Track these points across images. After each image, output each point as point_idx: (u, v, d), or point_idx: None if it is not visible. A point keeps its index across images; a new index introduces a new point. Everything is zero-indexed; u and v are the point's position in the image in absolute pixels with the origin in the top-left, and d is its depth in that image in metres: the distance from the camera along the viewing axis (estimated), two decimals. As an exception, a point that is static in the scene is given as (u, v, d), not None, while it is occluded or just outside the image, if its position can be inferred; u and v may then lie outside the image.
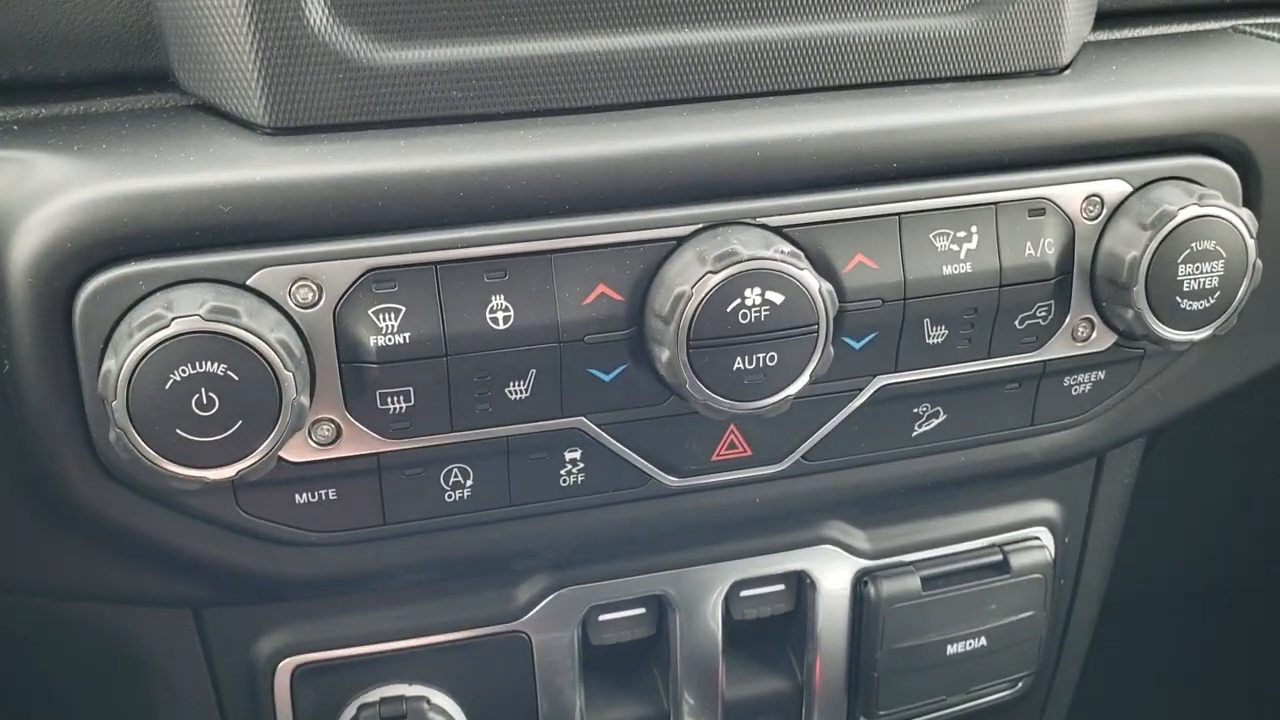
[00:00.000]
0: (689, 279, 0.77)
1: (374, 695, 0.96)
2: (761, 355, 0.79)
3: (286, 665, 0.94)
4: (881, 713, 1.08)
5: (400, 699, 0.95)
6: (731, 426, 0.88)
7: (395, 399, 0.78)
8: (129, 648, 0.94)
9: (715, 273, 0.77)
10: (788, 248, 0.79)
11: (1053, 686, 1.21)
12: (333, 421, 0.79)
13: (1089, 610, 1.19)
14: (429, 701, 0.96)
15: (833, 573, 1.03)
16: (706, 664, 1.03)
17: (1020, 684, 1.14)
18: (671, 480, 0.88)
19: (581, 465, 0.86)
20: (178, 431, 0.72)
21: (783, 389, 0.81)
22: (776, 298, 0.78)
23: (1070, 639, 1.19)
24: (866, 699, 1.07)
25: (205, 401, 0.72)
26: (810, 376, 0.81)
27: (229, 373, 0.72)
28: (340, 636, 0.94)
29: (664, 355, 0.79)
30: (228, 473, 0.73)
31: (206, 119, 0.81)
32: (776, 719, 1.08)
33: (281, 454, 0.78)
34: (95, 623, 0.92)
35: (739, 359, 0.79)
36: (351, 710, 0.95)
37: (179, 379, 0.71)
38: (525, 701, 0.99)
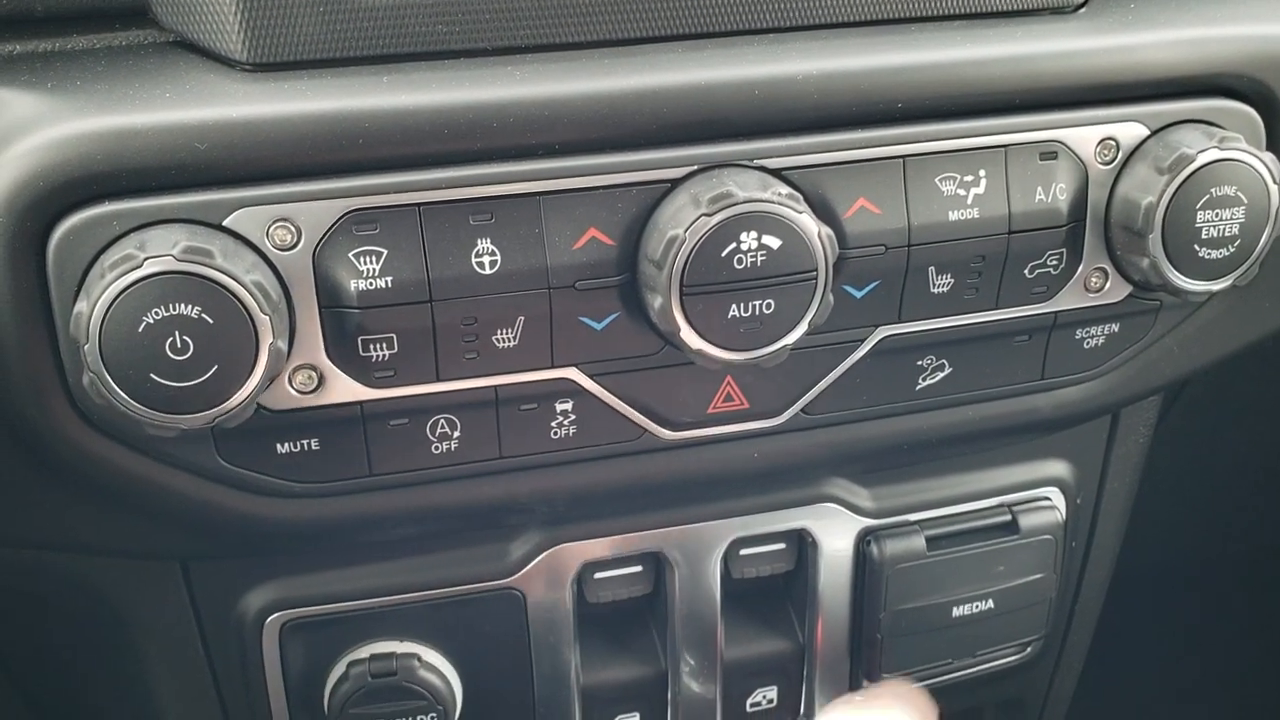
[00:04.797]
0: (682, 222, 0.74)
1: (364, 652, 0.94)
2: (758, 303, 0.76)
3: (275, 621, 0.92)
4: (885, 675, 1.05)
5: (391, 656, 0.93)
6: (728, 378, 0.85)
7: (378, 346, 0.76)
8: (117, 602, 0.92)
9: (709, 215, 0.74)
10: (786, 190, 0.76)
11: (1063, 652, 1.18)
12: (314, 369, 0.76)
13: (1101, 574, 1.16)
14: (420, 658, 0.94)
15: (835, 531, 1.00)
16: (705, 623, 1.01)
17: (1029, 648, 1.12)
18: (666, 433, 0.85)
19: (573, 417, 0.83)
20: (152, 376, 0.69)
21: (780, 338, 0.78)
22: (773, 242, 0.75)
23: (1082, 603, 1.16)
24: (869, 661, 1.05)
25: (179, 345, 0.69)
26: (809, 325, 0.78)
27: (203, 315, 0.69)
28: (330, 592, 0.92)
29: (657, 302, 0.76)
30: (204, 419, 0.71)
31: (185, 56, 0.78)
32: (777, 680, 1.06)
33: (261, 402, 0.76)
34: (83, 577, 0.91)
35: (734, 306, 0.76)
36: (341, 667, 0.93)
37: (152, 322, 0.69)
38: (519, 660, 0.97)
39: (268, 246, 0.73)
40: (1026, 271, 0.85)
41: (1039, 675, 1.18)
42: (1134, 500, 1.14)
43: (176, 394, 0.70)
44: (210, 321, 0.70)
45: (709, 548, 0.99)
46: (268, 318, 0.70)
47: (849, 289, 0.82)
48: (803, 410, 0.87)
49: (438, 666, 0.95)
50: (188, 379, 0.70)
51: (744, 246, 0.75)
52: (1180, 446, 1.26)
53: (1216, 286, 0.85)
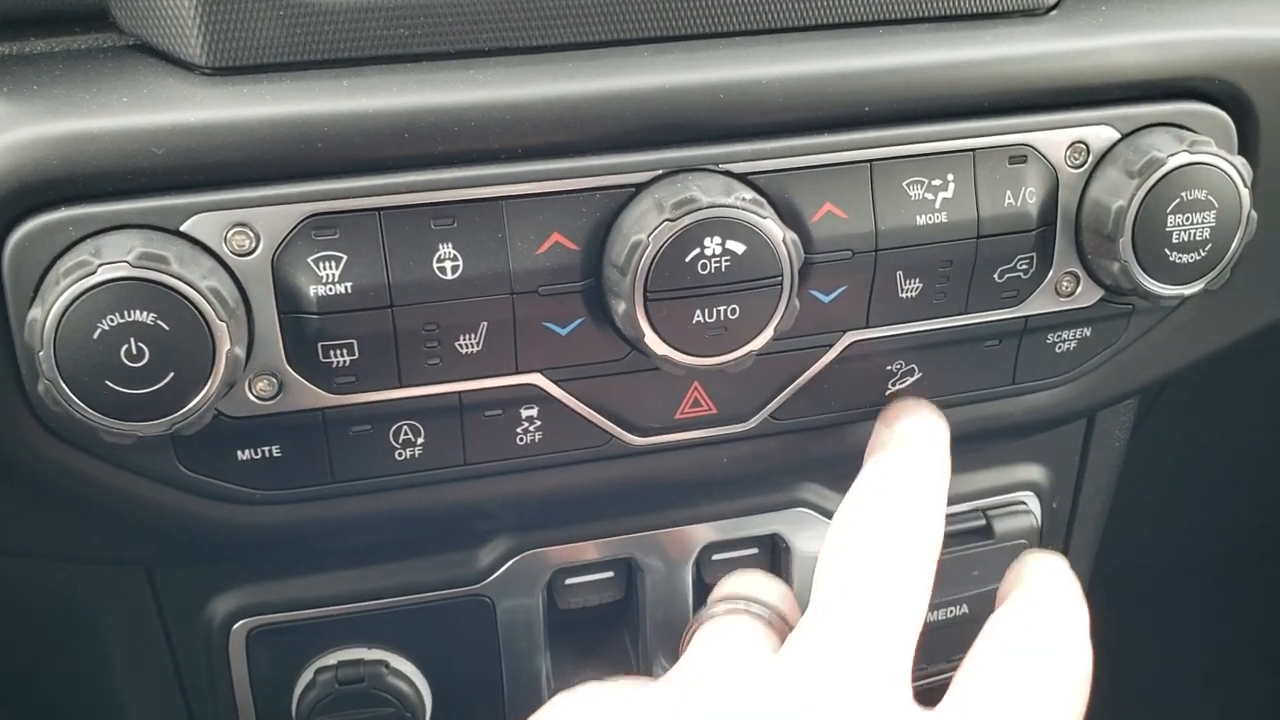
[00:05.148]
0: (646, 227, 0.74)
1: (331, 659, 0.93)
2: (722, 308, 0.76)
3: (241, 627, 0.91)
4: (859, 680, 1.05)
5: (359, 662, 0.93)
6: (695, 384, 0.84)
7: (338, 352, 0.75)
8: (82, 608, 0.92)
9: (673, 220, 0.73)
10: (750, 195, 0.75)
11: (1040, 655, 1.17)
12: (273, 376, 0.75)
13: (1078, 579, 1.15)
14: (388, 665, 0.93)
15: (808, 536, 1.00)
16: (678, 629, 1.00)
17: (1005, 652, 1.11)
18: (633, 439, 0.85)
19: (539, 423, 0.82)
20: (107, 383, 0.69)
21: (745, 344, 0.77)
22: (738, 247, 0.74)
23: (1058, 607, 1.15)
24: (844, 666, 1.04)
25: (135, 352, 0.69)
26: (774, 331, 0.77)
27: (159, 322, 0.69)
28: (297, 598, 0.92)
29: (621, 308, 0.75)
30: (161, 426, 0.71)
31: (144, 60, 0.77)
32: (751, 686, 1.05)
33: (221, 409, 0.75)
34: (47, 582, 0.90)
35: (699, 312, 0.75)
36: (309, 674, 0.93)
37: (107, 328, 0.68)
38: (489, 667, 0.97)
39: (225, 252, 0.72)
40: (996, 276, 0.85)
41: (1016, 680, 1.17)
42: (1110, 504, 1.13)
43: (132, 401, 0.69)
44: (166, 328, 0.69)
45: (681, 553, 0.98)
46: (224, 324, 0.69)
47: (816, 294, 0.82)
48: (771, 415, 0.87)
49: (406, 673, 0.94)
50: (144, 386, 0.69)
51: (708, 252, 0.74)
52: (1157, 452, 1.26)
53: (1188, 291, 0.85)
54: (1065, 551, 1.12)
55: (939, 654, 1.06)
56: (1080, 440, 1.08)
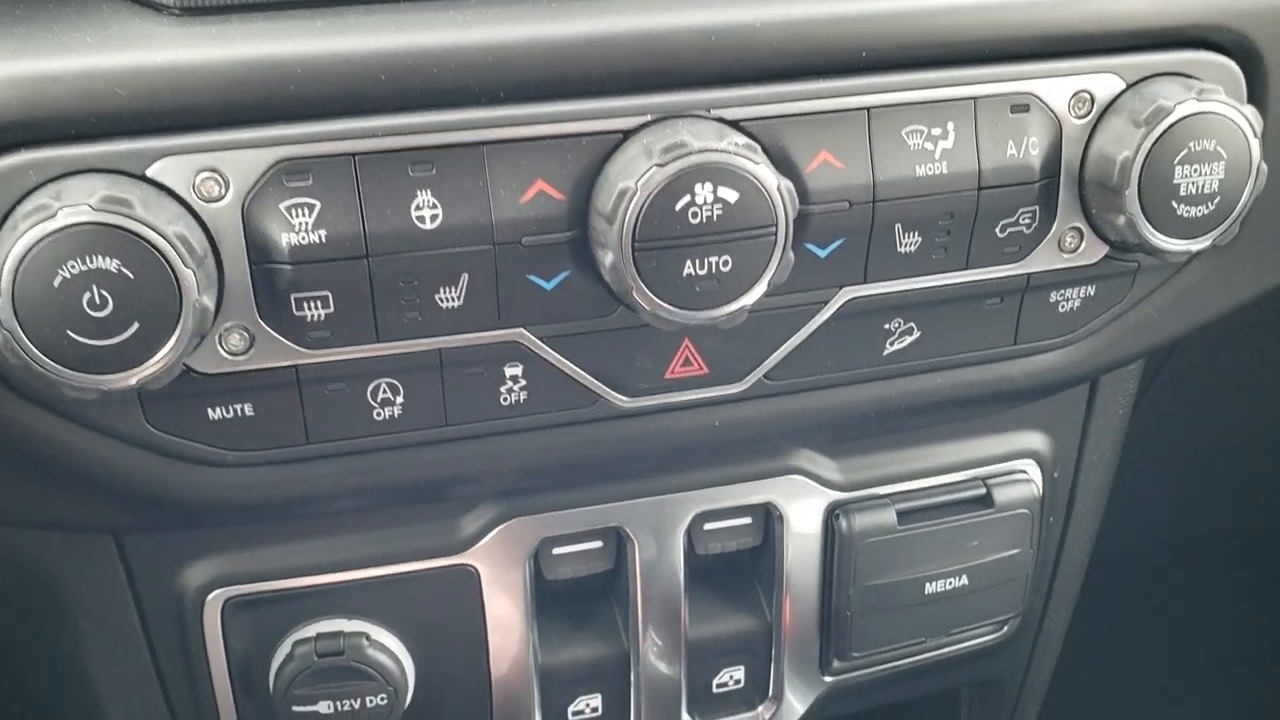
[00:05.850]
0: (634, 174, 0.70)
1: (310, 630, 0.90)
2: (714, 259, 0.72)
3: (216, 598, 0.88)
4: (855, 654, 1.02)
5: (338, 634, 0.89)
6: (686, 341, 0.81)
7: (312, 305, 0.72)
8: (49, 577, 0.88)
9: (662, 166, 0.70)
10: (743, 140, 0.72)
11: (1041, 631, 1.14)
12: (245, 329, 0.72)
13: (1080, 551, 1.13)
14: (369, 638, 0.90)
15: (802, 505, 0.97)
16: (669, 601, 0.98)
17: (1006, 627, 1.08)
18: (622, 400, 0.82)
19: (523, 382, 0.79)
20: (69, 333, 0.66)
21: (738, 298, 0.74)
22: (730, 195, 0.71)
23: (1060, 580, 1.12)
24: (839, 639, 1.01)
25: (98, 301, 0.65)
26: (768, 284, 0.74)
27: (123, 270, 0.65)
28: (274, 568, 0.88)
29: (608, 259, 0.72)
30: (126, 380, 0.67)
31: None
32: (744, 660, 1.02)
33: (190, 364, 0.72)
34: (12, 549, 0.87)
35: (689, 263, 0.72)
36: (286, 646, 0.90)
37: (68, 276, 0.65)
38: (474, 639, 0.94)
39: (194, 198, 0.69)
40: (998, 230, 0.82)
41: (1016, 655, 1.14)
42: (1114, 476, 1.10)
43: (95, 353, 0.66)
44: (130, 276, 0.66)
45: (672, 522, 0.95)
46: (191, 272, 0.66)
47: (812, 248, 0.78)
48: (765, 376, 0.83)
49: (388, 646, 0.91)
50: (107, 337, 0.66)
51: (699, 200, 0.71)
52: (1161, 424, 1.23)
53: (1196, 246, 0.82)
54: (1067, 523, 1.09)
55: (938, 627, 1.04)
56: (1083, 407, 1.05)
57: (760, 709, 1.05)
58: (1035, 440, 1.02)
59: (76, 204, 0.64)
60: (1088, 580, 1.18)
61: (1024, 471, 1.02)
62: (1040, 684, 1.20)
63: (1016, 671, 1.16)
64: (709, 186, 0.71)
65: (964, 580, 1.01)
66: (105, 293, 0.65)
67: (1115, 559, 1.27)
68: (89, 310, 0.65)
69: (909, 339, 0.85)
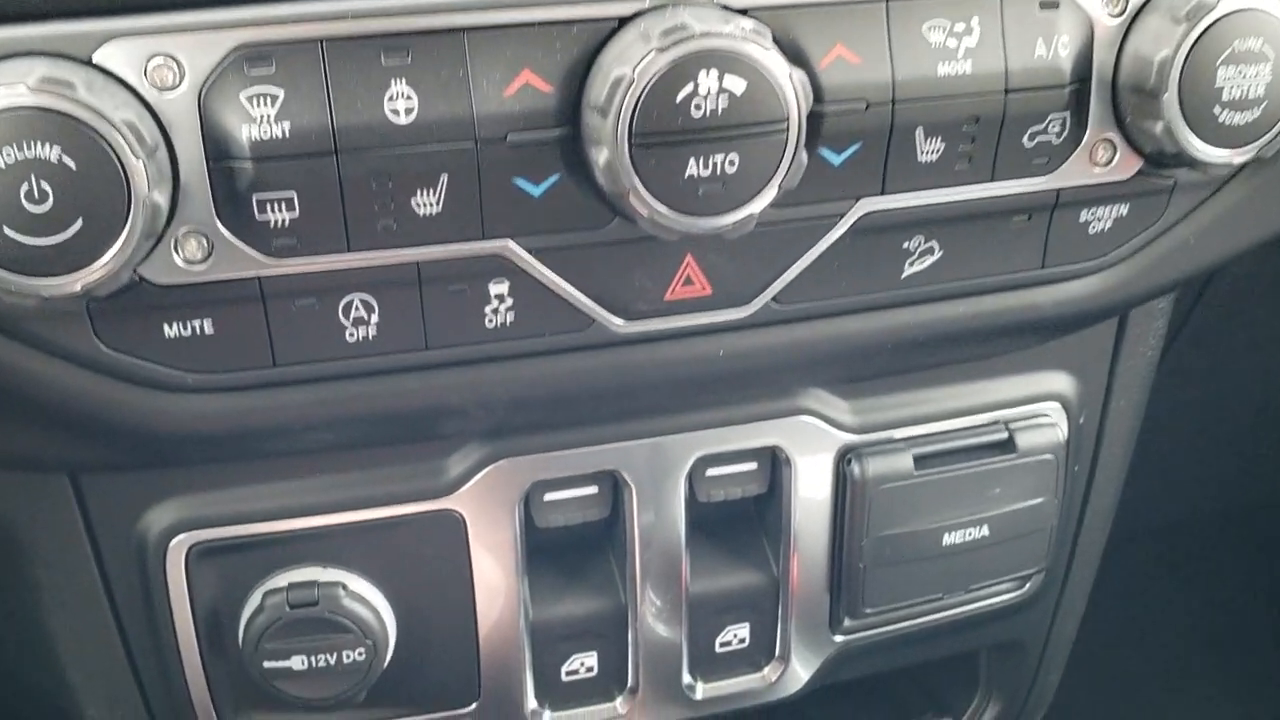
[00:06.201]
0: (630, 60, 0.64)
1: (282, 580, 0.83)
2: (720, 158, 0.66)
3: (181, 543, 0.81)
4: (868, 610, 0.95)
5: (312, 584, 0.83)
6: (688, 258, 0.75)
7: (276, 207, 0.65)
8: (1, 525, 0.82)
9: (662, 51, 0.63)
10: (750, 24, 0.65)
11: (1065, 589, 1.08)
12: (203, 235, 0.66)
13: (1106, 502, 1.06)
14: (345, 587, 0.83)
15: (812, 449, 0.90)
16: (668, 553, 0.91)
17: (1028, 584, 1.02)
18: (619, 323, 0.75)
19: (510, 302, 0.73)
20: (5, 230, 0.59)
21: (745, 203, 0.68)
22: (737, 85, 0.65)
23: (1085, 534, 1.06)
24: (851, 595, 0.95)
25: (37, 194, 0.59)
26: (779, 189, 0.68)
27: (64, 159, 0.59)
28: (243, 511, 0.82)
29: (603, 157, 0.66)
30: (70, 285, 0.61)
31: None
32: (749, 617, 0.96)
33: (143, 274, 0.66)
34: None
35: (692, 162, 0.66)
36: (256, 597, 0.83)
37: (4, 165, 0.59)
38: (459, 591, 0.87)
39: (145, 86, 0.63)
40: (1025, 139, 0.75)
41: (1039, 615, 1.08)
42: (1140, 422, 1.04)
43: (35, 253, 0.60)
44: (73, 166, 0.59)
45: (672, 466, 0.88)
46: (141, 163, 0.60)
47: (826, 153, 0.72)
48: (774, 300, 0.77)
49: (366, 597, 0.84)
50: (48, 234, 0.60)
51: (702, 90, 0.64)
52: (1187, 379, 1.17)
53: (1239, 157, 0.75)
54: (1092, 472, 1.03)
55: (957, 582, 0.97)
56: (1110, 348, 0.98)
57: (766, 670, 0.98)
58: (1060, 382, 0.96)
59: (12, 84, 0.58)
60: (1112, 537, 1.11)
61: (1048, 415, 0.95)
62: (1063, 647, 1.13)
63: (1039, 633, 1.10)
64: (714, 75, 0.64)
65: (984, 531, 0.94)
66: (45, 185, 0.59)
67: (1141, 519, 1.20)
68: (27, 204, 0.59)
69: (930, 260, 0.79)
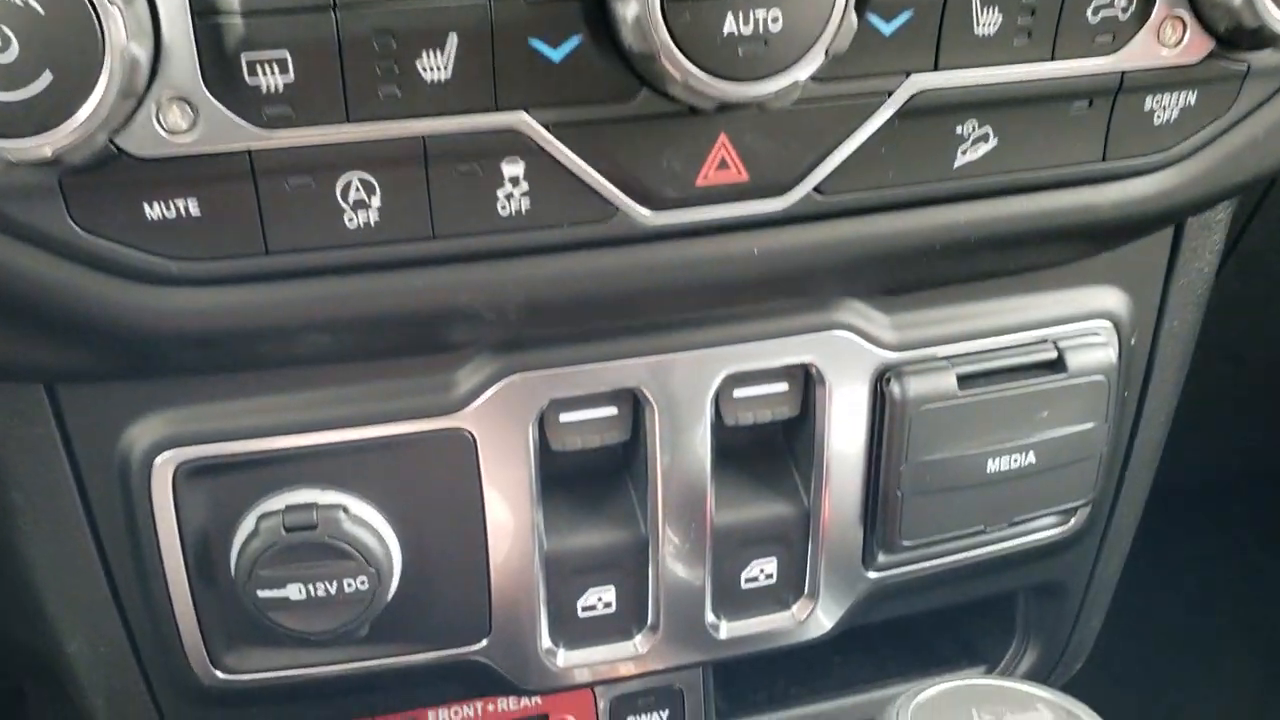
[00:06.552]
0: (661, -99, 0.58)
1: (278, 502, 0.77)
2: (762, 13, 0.59)
3: (167, 461, 0.75)
4: (906, 543, 0.89)
5: (311, 506, 0.76)
6: (722, 137, 0.68)
7: (268, 69, 0.59)
8: (-29, 442, 0.76)
9: (697, -110, 0.57)
10: None
11: (1110, 526, 1.02)
12: (187, 102, 0.59)
13: (1156, 434, 1.00)
14: (347, 510, 0.77)
15: (848, 367, 0.84)
16: (692, 480, 0.85)
17: (1073, 519, 0.96)
18: (645, 213, 0.69)
19: (525, 186, 0.66)
20: (-39, 84, 0.53)
21: (789, 67, 0.61)
22: (780, -68, 0.58)
23: (1134, 466, 0.99)
24: (887, 527, 0.88)
25: (0, 41, 0.53)
26: (826, 52, 0.61)
27: (30, 3, 0.53)
28: (235, 426, 0.75)
29: (630, 12, 0.59)
30: (39, 148, 0.55)
31: None
32: (777, 551, 0.89)
33: (121, 144, 0.59)
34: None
35: (731, 17, 0.59)
36: (250, 521, 0.77)
37: (-42, 10, 0.52)
38: (469, 518, 0.81)
39: (120, -73, 0.56)
40: (1089, 12, 0.69)
41: (1082, 554, 1.01)
42: (1194, 344, 0.97)
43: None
44: (40, 11, 0.53)
45: (697, 385, 0.82)
46: (115, 9, 0.53)
47: (876, 21, 0.66)
48: (815, 189, 0.71)
49: (369, 521, 0.78)
50: (12, 88, 0.54)
51: (743, -65, 0.58)
52: (1241, 306, 1.11)
53: (1324, 34, 0.69)
54: (1143, 399, 0.96)
55: (1000, 514, 0.91)
56: (1164, 263, 0.92)
57: (794, 609, 0.92)
58: (1112, 299, 0.89)
59: (-33, -85, 0.52)
60: (1157, 481, 1.05)
61: (1098, 334, 0.89)
62: (1106, 590, 1.07)
63: (1081, 574, 1.03)
64: (755, -81, 0.58)
65: (1030, 458, 0.88)
66: (8, 30, 0.53)
67: (1189, 461, 1.13)
68: (-13, 53, 0.53)
69: (984, 148, 0.72)
